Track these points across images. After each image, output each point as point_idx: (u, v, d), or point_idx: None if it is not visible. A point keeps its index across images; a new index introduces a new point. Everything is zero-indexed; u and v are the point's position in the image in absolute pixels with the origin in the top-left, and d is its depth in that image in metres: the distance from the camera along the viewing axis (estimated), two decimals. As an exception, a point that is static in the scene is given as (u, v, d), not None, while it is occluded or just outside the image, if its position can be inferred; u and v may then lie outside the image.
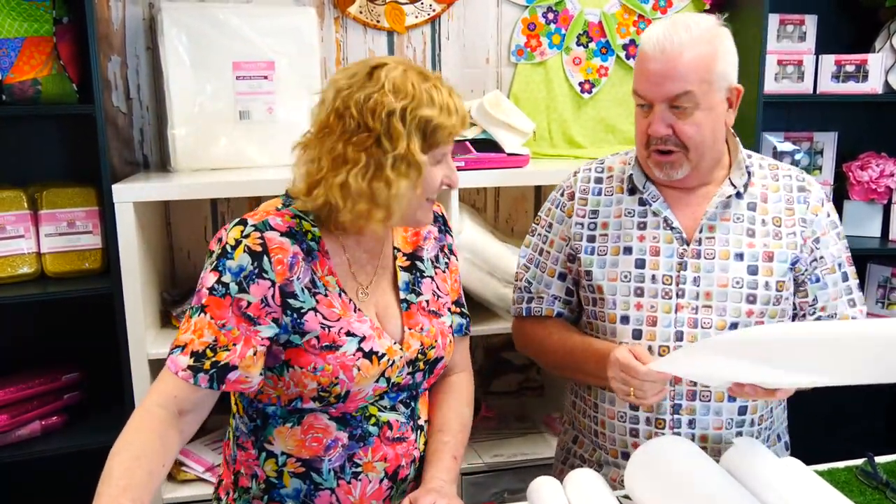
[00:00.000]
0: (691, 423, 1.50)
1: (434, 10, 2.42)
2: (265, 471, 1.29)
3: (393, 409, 1.31)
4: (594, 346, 1.54)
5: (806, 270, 1.54)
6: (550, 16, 2.49)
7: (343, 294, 1.26)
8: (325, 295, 1.24)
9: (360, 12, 2.38)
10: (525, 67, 2.51)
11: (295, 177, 1.28)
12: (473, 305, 2.24)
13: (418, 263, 1.38)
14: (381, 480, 1.30)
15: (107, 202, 1.94)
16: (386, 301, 1.33)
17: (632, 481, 1.34)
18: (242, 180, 2.03)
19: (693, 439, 1.49)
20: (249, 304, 1.19)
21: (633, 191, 1.58)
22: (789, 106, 2.60)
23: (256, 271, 1.19)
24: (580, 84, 2.54)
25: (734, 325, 1.49)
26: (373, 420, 1.29)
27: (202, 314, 1.19)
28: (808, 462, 1.60)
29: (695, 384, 1.49)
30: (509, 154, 2.23)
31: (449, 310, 1.40)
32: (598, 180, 1.64)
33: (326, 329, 1.22)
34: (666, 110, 1.45)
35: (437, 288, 1.39)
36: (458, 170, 2.10)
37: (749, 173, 1.55)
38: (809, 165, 2.54)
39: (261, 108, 2.25)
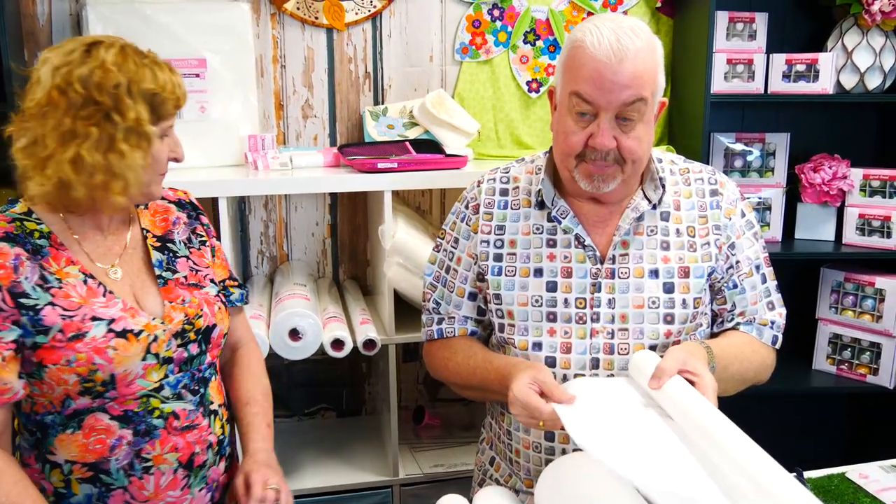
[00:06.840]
0: None
1: (375, 7, 2.35)
2: (52, 482, 1.27)
3: (179, 398, 1.31)
4: (494, 363, 1.45)
5: (722, 278, 1.48)
6: (496, 13, 2.42)
7: (90, 280, 1.27)
8: (61, 287, 1.24)
9: (298, 8, 2.30)
10: (470, 66, 2.44)
11: (19, 163, 1.25)
12: (409, 310, 2.17)
13: (170, 245, 1.41)
14: (176, 471, 1.31)
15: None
16: (142, 280, 1.35)
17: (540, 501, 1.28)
18: (175, 181, 1.94)
19: None
20: None
21: (541, 205, 1.48)
22: (742, 106, 2.54)
23: None
24: (528, 83, 2.48)
25: (653, 348, 1.41)
26: (157, 413, 1.29)
27: None
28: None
29: None
30: (448, 155, 2.17)
31: (212, 280, 1.43)
32: (504, 192, 1.53)
33: (69, 319, 1.22)
34: (612, 121, 1.34)
35: (195, 264, 1.42)
36: (391, 171, 2.07)
37: (663, 185, 1.47)
38: (762, 167, 2.48)
39: (193, 108, 2.19)
